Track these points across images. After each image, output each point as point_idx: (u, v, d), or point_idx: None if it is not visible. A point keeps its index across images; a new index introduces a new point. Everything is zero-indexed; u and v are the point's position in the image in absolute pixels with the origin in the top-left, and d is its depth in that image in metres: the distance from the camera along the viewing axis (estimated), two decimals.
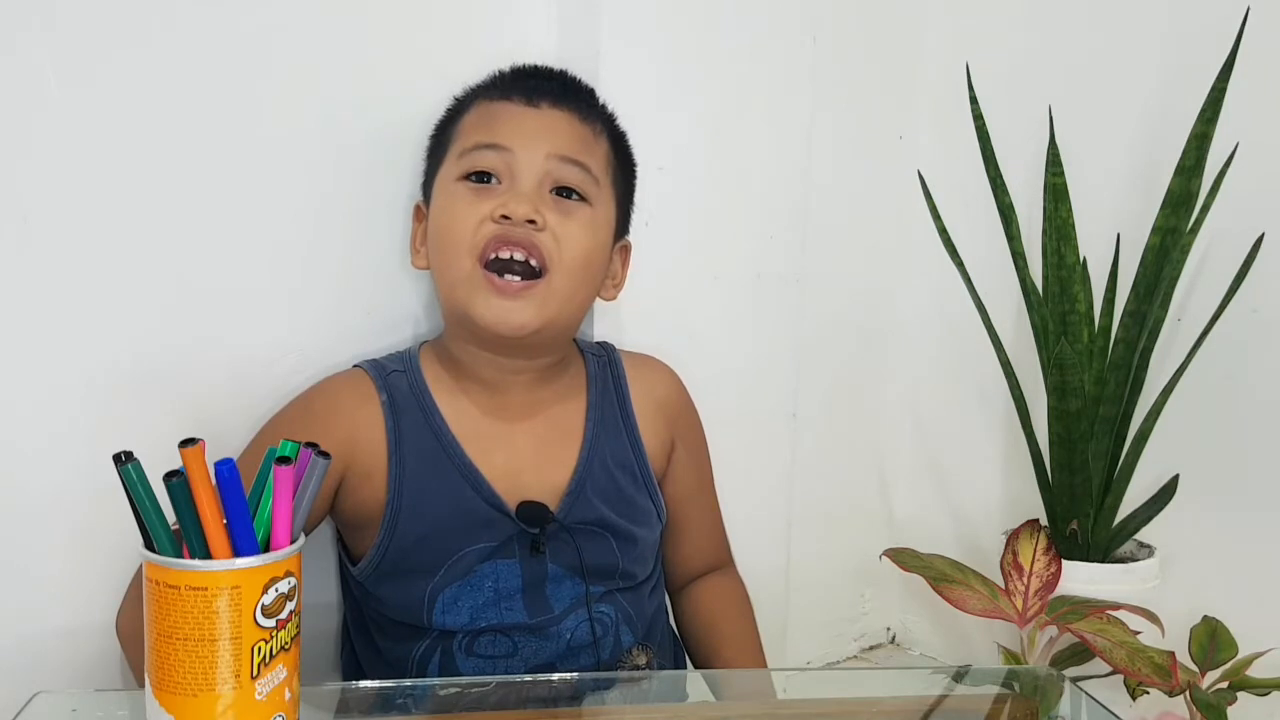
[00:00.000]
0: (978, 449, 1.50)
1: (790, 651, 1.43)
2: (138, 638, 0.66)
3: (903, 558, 1.20)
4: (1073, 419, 1.19)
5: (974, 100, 1.24)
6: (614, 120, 1.05)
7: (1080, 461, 1.21)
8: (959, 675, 1.01)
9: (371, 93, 1.05)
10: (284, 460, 0.66)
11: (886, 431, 1.57)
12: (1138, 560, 1.25)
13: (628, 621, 1.01)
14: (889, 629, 1.63)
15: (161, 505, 0.65)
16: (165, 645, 0.64)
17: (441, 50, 1.08)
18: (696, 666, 1.09)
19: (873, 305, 1.52)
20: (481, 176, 0.97)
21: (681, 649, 1.11)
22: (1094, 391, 1.21)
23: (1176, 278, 1.18)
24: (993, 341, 1.26)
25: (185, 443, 0.64)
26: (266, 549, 0.66)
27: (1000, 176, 1.25)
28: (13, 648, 0.92)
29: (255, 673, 0.65)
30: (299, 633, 0.68)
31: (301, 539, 0.68)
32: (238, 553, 0.65)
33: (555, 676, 0.89)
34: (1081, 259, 1.23)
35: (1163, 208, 1.18)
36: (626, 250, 1.07)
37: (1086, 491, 1.22)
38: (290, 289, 1.03)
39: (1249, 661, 1.14)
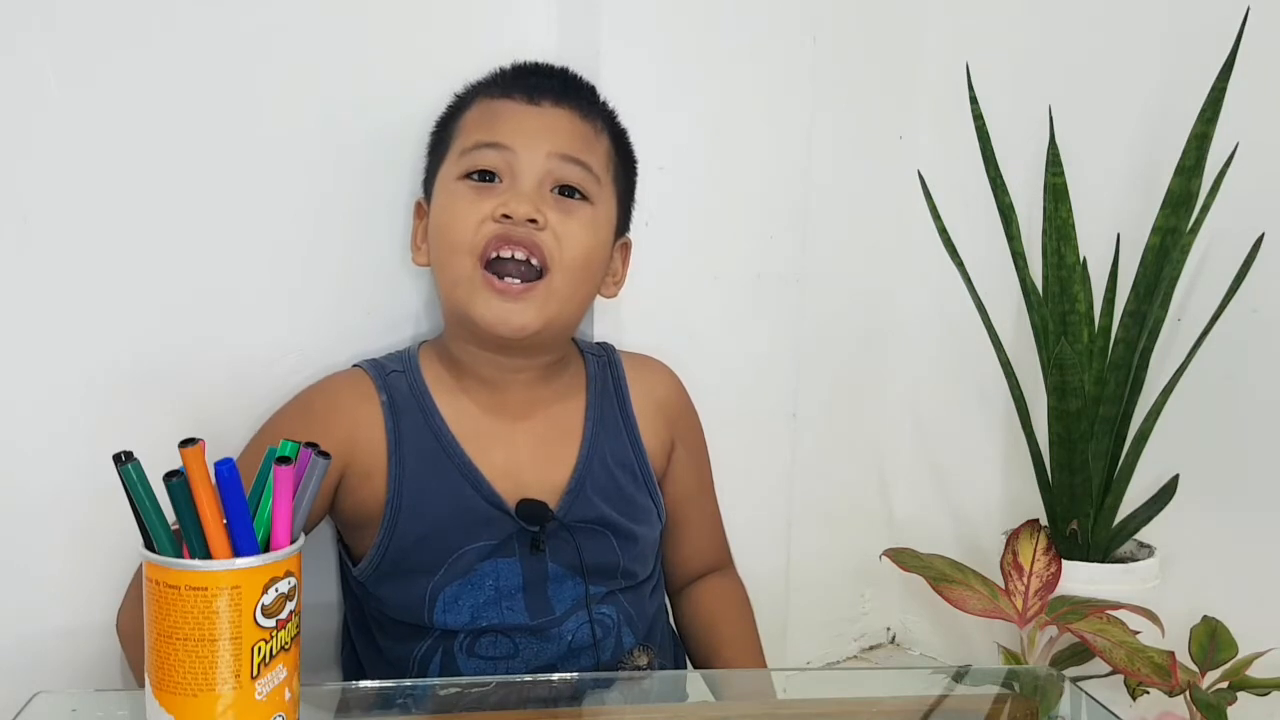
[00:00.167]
0: (978, 449, 1.50)
1: (790, 651, 1.43)
2: (138, 637, 0.66)
3: (903, 558, 1.20)
4: (1073, 419, 1.19)
5: (974, 100, 1.24)
6: (615, 118, 1.05)
7: (1080, 461, 1.21)
8: (959, 675, 1.01)
9: (371, 93, 1.05)
10: (284, 460, 0.66)
11: (886, 431, 1.57)
12: (1138, 560, 1.25)
13: (629, 622, 1.01)
14: (889, 629, 1.63)
15: (161, 505, 0.65)
16: (165, 645, 0.64)
17: (441, 50, 1.08)
18: (696, 667, 1.09)
19: (873, 305, 1.52)
20: (483, 175, 0.97)
21: (681, 649, 1.11)
22: (1094, 391, 1.21)
23: (1176, 278, 1.18)
24: (993, 341, 1.26)
25: (185, 443, 0.64)
26: (266, 549, 0.66)
27: (1000, 176, 1.25)
28: (13, 648, 0.92)
29: (255, 673, 0.65)
30: (299, 633, 0.68)
31: (301, 539, 0.68)
32: (238, 553, 0.65)
33: (555, 676, 0.89)
34: (1081, 259, 1.23)
35: (1163, 208, 1.18)
36: (627, 248, 1.07)
37: (1086, 491, 1.22)
38: (290, 289, 1.03)
39: (1249, 661, 1.14)
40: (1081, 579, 1.20)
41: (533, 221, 0.94)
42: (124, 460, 0.64)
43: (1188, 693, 1.10)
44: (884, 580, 1.54)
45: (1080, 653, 1.16)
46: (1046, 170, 1.21)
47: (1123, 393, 1.21)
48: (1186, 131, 1.15)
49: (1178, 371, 1.21)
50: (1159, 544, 1.27)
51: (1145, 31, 1.32)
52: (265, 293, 1.02)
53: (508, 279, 0.94)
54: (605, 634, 0.99)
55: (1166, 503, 1.28)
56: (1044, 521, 1.26)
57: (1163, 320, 1.20)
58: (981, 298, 1.25)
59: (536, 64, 1.05)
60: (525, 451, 1.00)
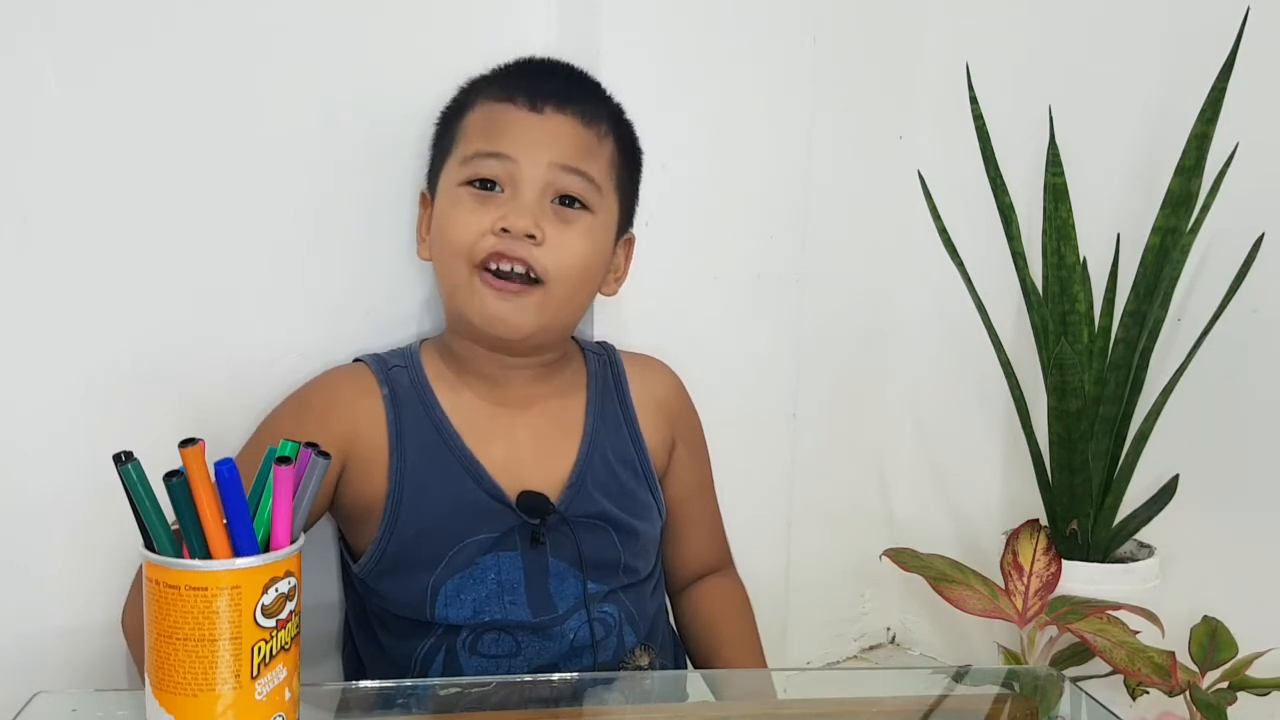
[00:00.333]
0: (978, 449, 1.50)
1: (790, 651, 1.43)
2: (143, 635, 0.66)
3: (903, 558, 1.20)
4: (1073, 419, 1.19)
5: (974, 100, 1.24)
6: (620, 114, 1.04)
7: (1080, 461, 1.21)
8: (959, 675, 1.01)
9: (371, 92, 1.05)
10: (284, 460, 0.66)
11: (886, 431, 1.57)
12: (1138, 560, 1.25)
13: (631, 621, 1.01)
14: (889, 629, 1.63)
15: (161, 505, 0.65)
16: (165, 645, 0.64)
17: (442, 49, 1.08)
18: (696, 668, 1.09)
19: (873, 305, 1.52)
20: (484, 183, 0.97)
21: (682, 649, 1.11)
22: (1094, 391, 1.21)
23: (1176, 278, 1.18)
24: (993, 341, 1.26)
25: (185, 443, 0.64)
26: (266, 549, 0.66)
27: (1000, 176, 1.25)
28: (13, 648, 0.92)
29: (255, 673, 0.65)
30: (299, 633, 0.68)
31: (301, 539, 0.68)
32: (238, 553, 0.65)
33: (556, 676, 0.89)
34: (1081, 259, 1.23)
35: (1163, 208, 1.18)
36: (630, 243, 1.07)
37: (1086, 491, 1.22)
38: (290, 289, 1.03)
39: (1249, 661, 1.14)
40: (1081, 579, 1.20)
41: (531, 237, 0.95)
42: (124, 460, 0.64)
43: (1188, 693, 1.10)
44: (884, 580, 1.54)
45: (1080, 653, 1.16)
46: (1046, 170, 1.21)
47: (1123, 393, 1.21)
48: (1186, 131, 1.15)
49: (1178, 371, 1.21)
50: (1159, 544, 1.27)
51: (1145, 31, 1.32)
52: (265, 293, 1.02)
53: (504, 280, 0.95)
54: (607, 633, 0.99)
55: (1166, 503, 1.28)
56: (1044, 521, 1.26)
57: (1163, 320, 1.20)
58: (981, 298, 1.25)
59: (540, 62, 1.05)
60: (526, 446, 1.00)
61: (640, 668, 1.00)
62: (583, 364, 1.08)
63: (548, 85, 0.99)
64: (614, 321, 1.17)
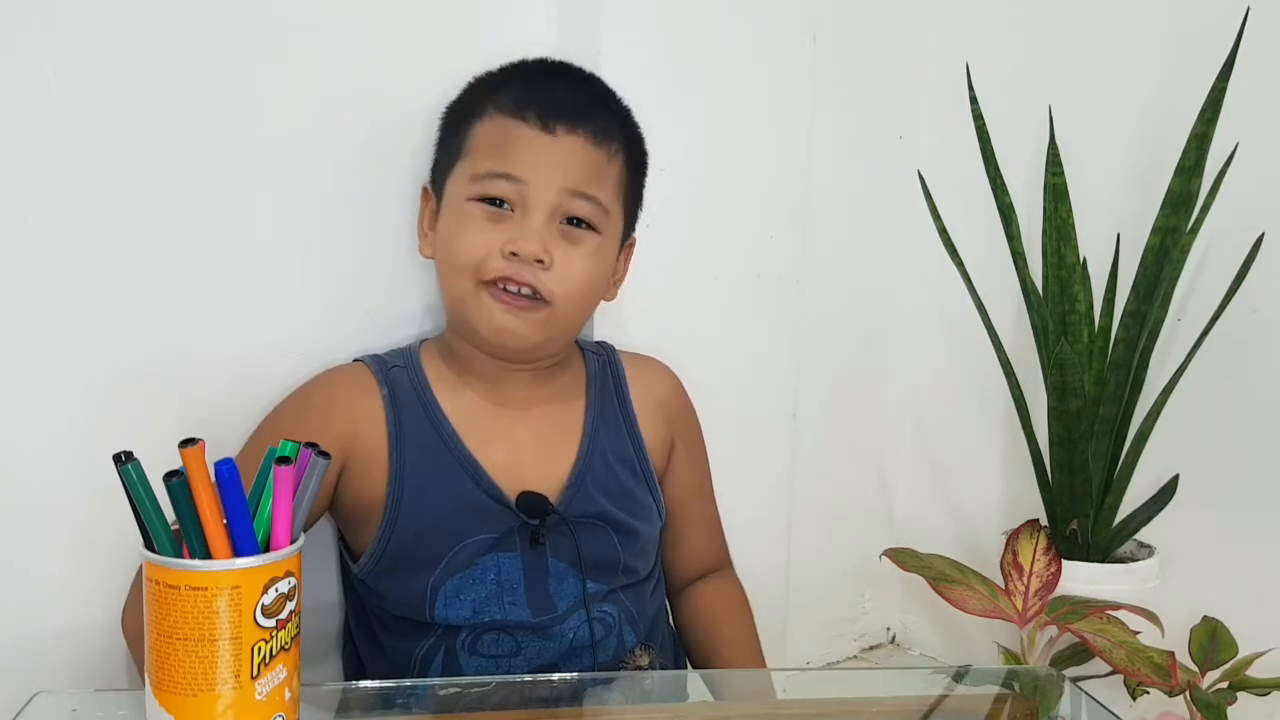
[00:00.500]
0: (978, 449, 1.50)
1: (790, 651, 1.43)
2: (143, 635, 0.66)
3: (903, 558, 1.20)
4: (1073, 419, 1.19)
5: (974, 100, 1.24)
6: (630, 123, 1.04)
7: (1080, 461, 1.21)
8: (959, 675, 1.01)
9: (372, 92, 1.05)
10: (284, 460, 0.66)
11: (886, 431, 1.57)
12: (1138, 560, 1.25)
13: (630, 621, 1.01)
14: (889, 629, 1.63)
15: (161, 505, 0.65)
16: (165, 645, 0.64)
17: (442, 49, 1.08)
18: (696, 668, 1.09)
19: (873, 305, 1.52)
20: (494, 200, 0.97)
21: (682, 649, 1.11)
22: (1094, 391, 1.21)
23: (1176, 278, 1.18)
24: (993, 341, 1.26)
25: (185, 443, 0.64)
26: (266, 549, 0.66)
27: (1000, 176, 1.25)
28: (13, 648, 0.92)
29: (255, 673, 0.65)
30: (299, 633, 0.68)
31: (301, 539, 0.68)
32: (238, 553, 0.65)
33: (555, 676, 0.89)
34: (1081, 259, 1.23)
35: (1163, 208, 1.18)
36: (631, 247, 1.07)
37: (1086, 491, 1.22)
38: (291, 289, 1.03)
39: (1249, 661, 1.14)
40: (1081, 579, 1.20)
41: (539, 261, 0.95)
42: (124, 460, 0.64)
43: (1188, 693, 1.10)
44: (884, 580, 1.54)
45: (1080, 653, 1.16)
46: (1046, 170, 1.21)
47: (1123, 393, 1.21)
48: (1186, 131, 1.15)
49: (1178, 371, 1.21)
50: (1159, 544, 1.27)
51: (1145, 31, 1.32)
52: (266, 293, 1.02)
53: (511, 296, 0.96)
54: (607, 633, 0.99)
55: (1166, 503, 1.28)
56: (1044, 521, 1.26)
57: (1163, 320, 1.20)
58: (981, 298, 1.25)
59: (551, 69, 1.03)
60: (526, 447, 1.00)
61: (640, 668, 1.01)
62: (583, 365, 1.08)
63: (560, 102, 0.98)
64: (614, 321, 1.17)
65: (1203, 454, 1.30)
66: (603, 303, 1.11)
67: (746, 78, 1.30)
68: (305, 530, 0.69)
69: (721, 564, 1.15)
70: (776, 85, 1.33)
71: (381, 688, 0.87)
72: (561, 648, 0.97)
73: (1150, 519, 1.27)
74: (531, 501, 0.97)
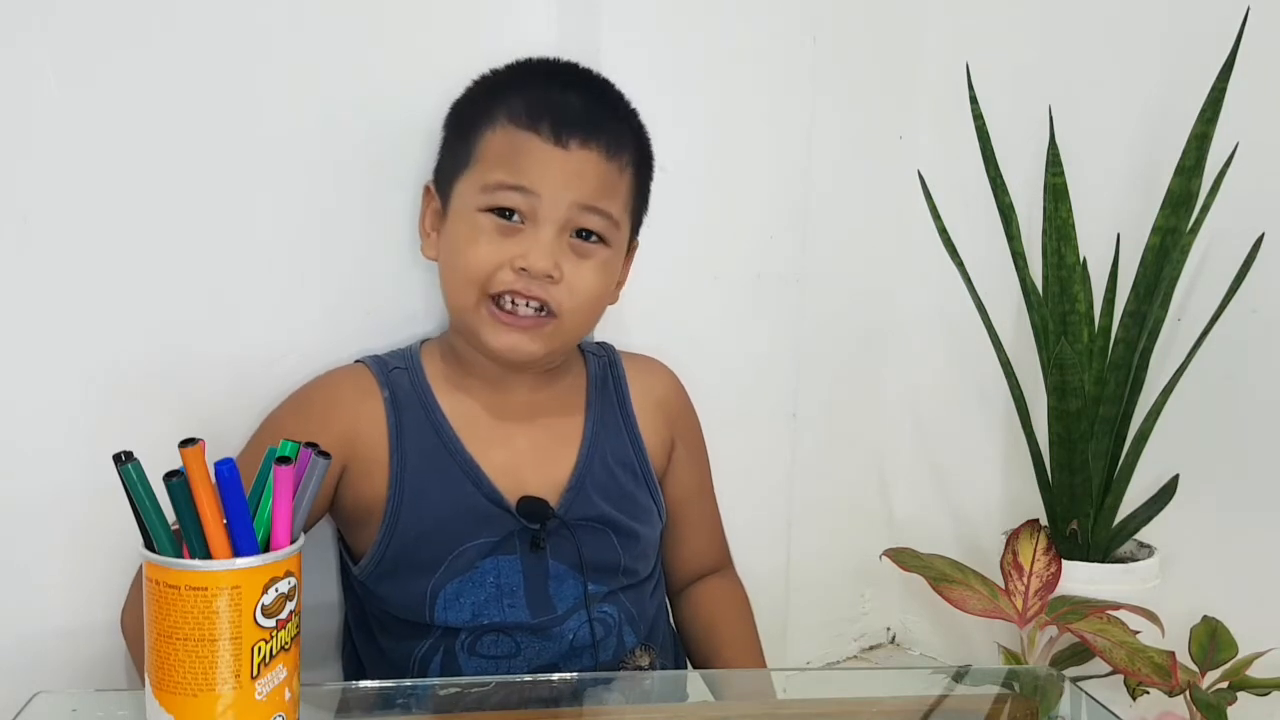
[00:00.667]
0: (978, 449, 1.50)
1: (790, 651, 1.43)
2: (142, 635, 0.66)
3: (903, 558, 1.20)
4: (1073, 419, 1.19)
5: (974, 100, 1.24)
6: (640, 131, 1.03)
7: (1080, 461, 1.21)
8: (959, 675, 1.01)
9: (371, 93, 1.05)
10: (284, 460, 0.66)
11: (886, 431, 1.57)
12: (1138, 560, 1.25)
13: (630, 622, 1.01)
14: (889, 629, 1.63)
15: (161, 505, 0.65)
16: (165, 645, 0.64)
17: (442, 49, 1.08)
18: (696, 668, 1.09)
19: (873, 305, 1.52)
20: (503, 212, 0.96)
21: (682, 649, 1.11)
22: (1094, 391, 1.21)
23: (1176, 278, 1.18)
24: (993, 341, 1.26)
25: (185, 443, 0.64)
26: (266, 549, 0.66)
27: (1000, 176, 1.25)
28: (13, 648, 0.92)
29: (255, 673, 0.65)
30: (299, 633, 0.68)
31: (301, 539, 0.68)
32: (238, 553, 0.65)
33: (555, 676, 0.89)
34: (1081, 259, 1.23)
35: (1163, 208, 1.18)
36: (633, 250, 1.07)
37: (1086, 491, 1.22)
38: (291, 289, 1.03)
39: (1249, 661, 1.14)
40: (1081, 579, 1.20)
41: (549, 277, 0.95)
42: (124, 460, 0.64)
43: (1188, 693, 1.10)
44: (884, 580, 1.54)
45: (1080, 653, 1.16)
46: (1046, 170, 1.21)
47: (1123, 393, 1.21)
48: (1186, 131, 1.15)
49: (1178, 371, 1.21)
50: (1159, 544, 1.27)
51: (1145, 31, 1.32)
52: (266, 293, 1.02)
53: (516, 311, 0.95)
54: (606, 633, 0.99)
55: (1166, 503, 1.28)
56: (1044, 521, 1.26)
57: (1163, 320, 1.20)
58: (981, 298, 1.25)
59: (564, 76, 1.01)
60: (526, 450, 1.00)
61: (640, 667, 1.00)
62: (583, 367, 1.08)
63: (573, 114, 0.96)
64: (614, 322, 1.17)
65: (1203, 454, 1.30)
66: None
67: (746, 78, 1.30)
68: (305, 531, 0.69)
69: (722, 564, 1.15)
70: (776, 85, 1.33)
71: (381, 688, 0.87)
72: (561, 648, 0.97)
73: (1150, 519, 1.27)
74: (532, 506, 0.97)
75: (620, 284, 1.07)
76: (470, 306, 0.96)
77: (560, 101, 0.97)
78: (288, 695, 0.67)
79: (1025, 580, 1.17)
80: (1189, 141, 1.15)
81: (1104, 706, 0.86)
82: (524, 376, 1.02)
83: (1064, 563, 1.18)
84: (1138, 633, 1.09)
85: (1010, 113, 1.30)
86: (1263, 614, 1.23)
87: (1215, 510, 1.30)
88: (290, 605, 0.66)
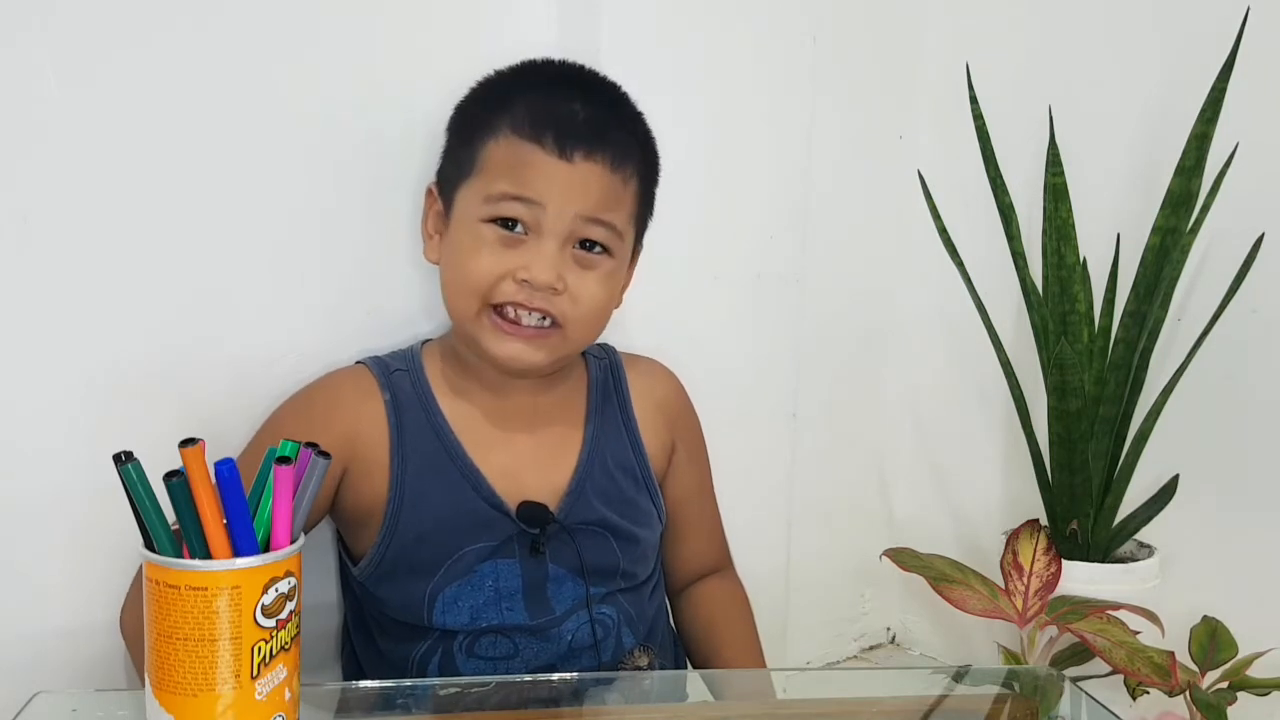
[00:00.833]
0: (978, 449, 1.50)
1: (790, 651, 1.43)
2: (141, 636, 0.66)
3: (903, 558, 1.20)
4: (1073, 419, 1.19)
5: (974, 100, 1.24)
6: (646, 138, 1.02)
7: (1080, 461, 1.21)
8: (959, 675, 1.01)
9: (371, 93, 1.05)
10: (284, 460, 0.66)
11: (886, 431, 1.57)
12: (1138, 560, 1.25)
13: (629, 623, 1.01)
14: (889, 629, 1.63)
15: (161, 505, 0.65)
16: (165, 645, 0.64)
17: (442, 50, 1.08)
18: (696, 669, 1.09)
19: (873, 305, 1.52)
20: (507, 222, 0.96)
21: (682, 649, 1.11)
22: (1094, 391, 1.21)
23: (1176, 278, 1.18)
24: (993, 341, 1.26)
25: (185, 443, 0.64)
26: (266, 549, 0.66)
27: (1000, 176, 1.25)
28: (13, 648, 0.92)
29: (255, 673, 0.65)
30: (299, 633, 0.68)
31: (301, 539, 0.68)
32: (238, 553, 0.65)
33: (555, 676, 0.89)
34: (1081, 259, 1.23)
35: (1163, 208, 1.18)
36: (636, 255, 1.06)
37: (1086, 491, 1.22)
38: (290, 289, 1.03)
39: (1249, 661, 1.14)
40: (1081, 579, 1.20)
41: (552, 288, 0.94)
42: (124, 460, 0.64)
43: (1188, 693, 1.10)
44: (884, 580, 1.54)
45: (1080, 653, 1.16)
46: (1046, 170, 1.21)
47: (1123, 393, 1.21)
48: (1186, 131, 1.15)
49: (1178, 371, 1.21)
50: (1159, 544, 1.27)
51: (1145, 31, 1.32)
52: (265, 293, 1.02)
53: (520, 320, 0.95)
54: (605, 634, 0.99)
55: (1166, 503, 1.28)
56: (1044, 521, 1.26)
57: (1163, 320, 1.20)
58: (981, 298, 1.25)
59: (565, 83, 1.00)
60: (526, 454, 1.00)
61: (639, 668, 1.00)
62: (584, 370, 1.08)
63: (577, 125, 0.95)
64: (614, 322, 1.16)
65: (1203, 454, 1.30)
66: None
67: (746, 78, 1.30)
68: (306, 533, 0.69)
69: (722, 564, 1.15)
70: (776, 85, 1.33)
71: (381, 688, 0.87)
72: (559, 649, 0.97)
73: (1150, 519, 1.27)
74: (532, 511, 0.97)
75: (624, 288, 1.07)
76: (472, 315, 0.96)
77: (565, 112, 0.96)
78: (288, 695, 0.67)
79: (1025, 580, 1.17)
80: (1189, 141, 1.15)
81: (1104, 706, 0.86)
82: (525, 381, 1.02)
83: (1064, 563, 1.18)
84: (1138, 633, 1.09)
85: (1010, 113, 1.30)
86: (1263, 614, 1.23)
87: (1215, 510, 1.30)
88: (290, 605, 0.66)
